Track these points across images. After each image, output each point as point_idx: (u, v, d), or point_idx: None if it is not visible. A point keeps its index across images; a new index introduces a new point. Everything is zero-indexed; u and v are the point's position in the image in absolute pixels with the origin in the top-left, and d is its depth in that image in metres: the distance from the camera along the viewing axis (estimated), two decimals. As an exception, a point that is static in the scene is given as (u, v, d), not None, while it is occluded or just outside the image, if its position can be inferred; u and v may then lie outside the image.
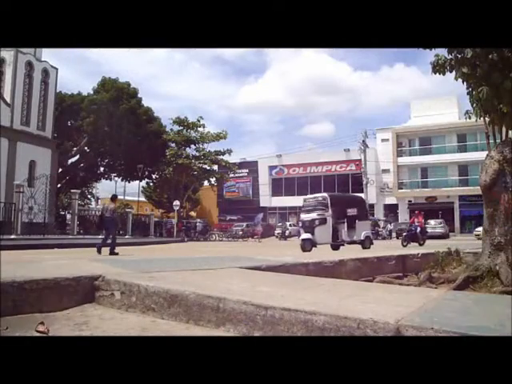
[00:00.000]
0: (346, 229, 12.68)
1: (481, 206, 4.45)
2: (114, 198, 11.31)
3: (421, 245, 14.41)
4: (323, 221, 12.30)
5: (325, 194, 13.60)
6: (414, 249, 8.39)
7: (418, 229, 15.22)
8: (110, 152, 32.51)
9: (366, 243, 13.08)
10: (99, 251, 9.32)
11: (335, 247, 12.62)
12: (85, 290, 2.70)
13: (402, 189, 37.38)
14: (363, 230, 13.33)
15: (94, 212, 27.89)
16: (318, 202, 12.94)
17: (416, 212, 17.63)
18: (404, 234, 15.95)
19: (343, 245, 12.70)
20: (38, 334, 1.99)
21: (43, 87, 26.77)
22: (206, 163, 32.94)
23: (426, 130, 36.31)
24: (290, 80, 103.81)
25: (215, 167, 35.27)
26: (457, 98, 35.73)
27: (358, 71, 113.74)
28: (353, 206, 13.55)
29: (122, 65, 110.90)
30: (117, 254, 9.44)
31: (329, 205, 12.59)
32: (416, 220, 15.79)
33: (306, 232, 12.24)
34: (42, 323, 2.10)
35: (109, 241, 9.75)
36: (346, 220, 12.80)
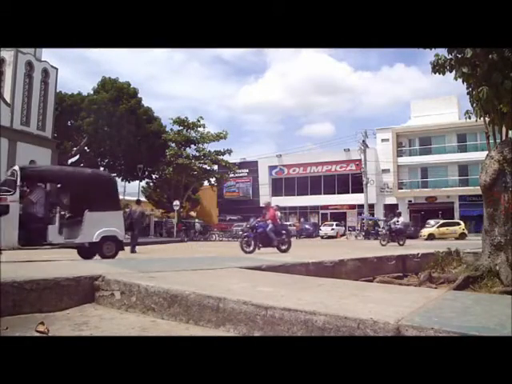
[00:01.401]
0: (57, 223, 7.87)
1: (481, 206, 4.45)
2: (138, 201, 12.96)
3: (282, 251, 10.16)
4: (3, 209, 7.24)
5: (16, 167, 7.98)
6: (413, 249, 8.40)
7: (270, 226, 10.62)
8: (109, 152, 32.52)
9: (104, 249, 8.11)
10: (134, 250, 10.64)
11: (82, 253, 8.14)
12: (85, 290, 2.70)
13: (401, 189, 37.39)
14: (100, 226, 8.04)
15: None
16: (6, 180, 7.90)
17: (267, 203, 12.71)
18: (244, 234, 11.25)
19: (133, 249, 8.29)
20: (38, 334, 1.99)
21: (43, 87, 26.78)
22: (206, 163, 32.97)
23: (426, 129, 36.33)
24: (290, 80, 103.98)
25: (215, 167, 35.30)
26: (457, 98, 35.76)
27: (358, 71, 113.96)
28: (77, 188, 8.30)
29: (122, 65, 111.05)
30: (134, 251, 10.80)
31: (17, 183, 7.45)
32: (267, 214, 11.19)
33: None
34: (42, 323, 2.10)
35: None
36: (59, 210, 8.03)
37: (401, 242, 15.38)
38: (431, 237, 26.11)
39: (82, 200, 8.15)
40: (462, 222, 27.47)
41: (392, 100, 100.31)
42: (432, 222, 29.12)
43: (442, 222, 28.84)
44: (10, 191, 7.37)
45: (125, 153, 31.79)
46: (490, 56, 3.85)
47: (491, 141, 4.36)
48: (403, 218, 16.98)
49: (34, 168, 9.71)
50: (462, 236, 25.61)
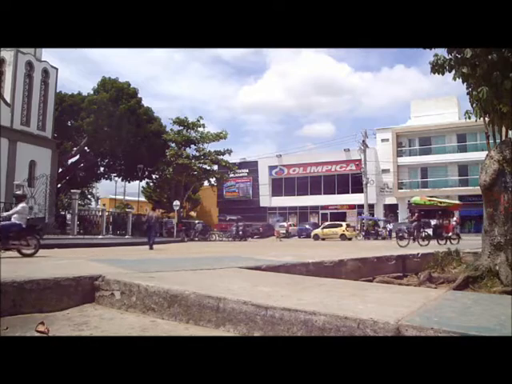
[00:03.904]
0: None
1: (481, 206, 4.45)
2: (154, 208, 16.80)
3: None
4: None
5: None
6: (414, 249, 8.38)
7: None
8: (109, 152, 32.52)
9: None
10: (151, 248, 12.68)
11: None
12: (85, 290, 2.70)
13: (401, 189, 37.36)
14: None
15: (94, 212, 27.92)
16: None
17: None
18: None
19: None
20: (38, 334, 1.99)
21: (43, 87, 26.76)
22: (206, 163, 32.94)
23: (426, 129, 36.31)
24: (290, 80, 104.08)
25: (215, 167, 35.27)
26: (457, 98, 35.75)
27: (359, 72, 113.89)
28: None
29: (122, 65, 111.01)
30: (152, 249, 12.59)
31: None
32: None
33: None
34: (42, 323, 2.10)
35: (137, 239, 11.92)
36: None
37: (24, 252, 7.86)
38: (316, 237, 30.22)
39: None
40: (344, 224, 31.10)
41: (392, 100, 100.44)
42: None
43: (326, 223, 32.85)
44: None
45: (125, 153, 31.78)
46: (490, 56, 3.85)
47: (491, 141, 4.36)
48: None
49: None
50: (342, 237, 29.13)
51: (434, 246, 11.79)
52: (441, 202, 17.99)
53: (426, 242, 13.37)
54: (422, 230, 14.27)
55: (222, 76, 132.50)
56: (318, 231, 31.26)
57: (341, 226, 30.92)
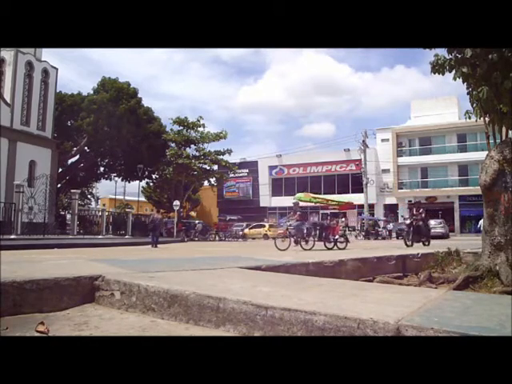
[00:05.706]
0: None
1: (481, 206, 4.45)
2: (158, 210, 18.24)
3: None
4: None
5: None
6: (414, 249, 8.38)
7: None
8: (109, 152, 32.52)
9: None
10: (156, 246, 14.57)
11: None
12: (85, 290, 2.70)
13: (401, 189, 37.38)
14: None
15: (94, 212, 27.90)
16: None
17: None
18: None
19: None
20: (38, 334, 1.99)
21: (43, 87, 26.76)
22: (206, 163, 32.94)
23: (426, 129, 36.32)
24: (291, 80, 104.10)
25: (215, 167, 35.27)
26: (457, 98, 35.77)
27: (359, 72, 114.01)
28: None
29: (122, 65, 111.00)
30: (157, 247, 14.28)
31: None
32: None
33: None
34: (42, 323, 2.10)
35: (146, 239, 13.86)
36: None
37: None
38: (244, 236, 32.90)
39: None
40: (267, 225, 34.39)
41: (392, 100, 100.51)
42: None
43: (253, 224, 35.76)
44: None
45: (125, 153, 31.79)
46: (490, 56, 3.85)
47: (491, 141, 4.36)
48: None
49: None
50: (265, 236, 31.74)
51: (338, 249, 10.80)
52: (327, 201, 16.35)
53: (311, 245, 11.57)
54: (305, 231, 12.07)
55: (221, 76, 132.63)
56: (246, 231, 34.16)
57: (264, 226, 34.03)
